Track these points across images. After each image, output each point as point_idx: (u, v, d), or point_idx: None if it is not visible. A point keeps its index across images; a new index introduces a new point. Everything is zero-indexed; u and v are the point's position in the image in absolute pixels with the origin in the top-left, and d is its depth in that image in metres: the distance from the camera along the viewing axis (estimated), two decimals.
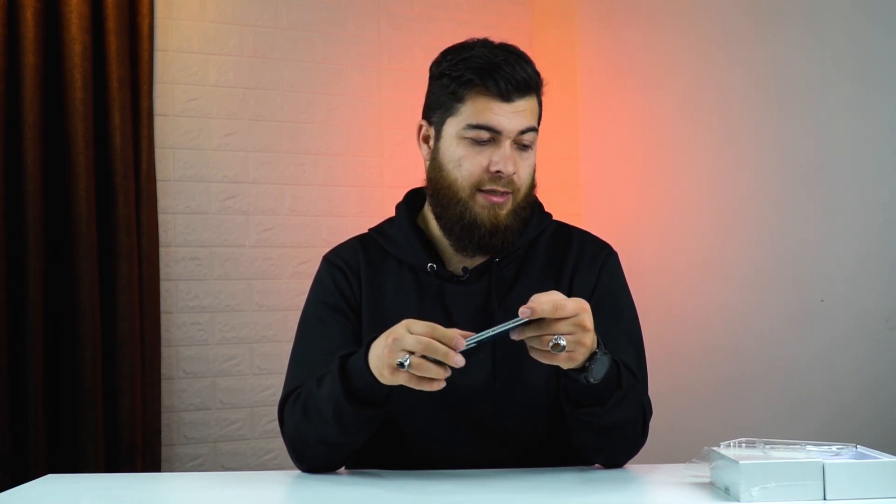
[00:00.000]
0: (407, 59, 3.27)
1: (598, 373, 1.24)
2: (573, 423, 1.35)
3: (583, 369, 1.23)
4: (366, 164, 3.22)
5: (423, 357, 1.16)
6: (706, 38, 2.79)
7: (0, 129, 2.57)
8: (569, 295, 1.46)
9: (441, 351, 1.15)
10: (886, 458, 1.13)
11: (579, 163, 3.27)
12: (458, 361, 1.15)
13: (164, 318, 2.88)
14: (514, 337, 1.18)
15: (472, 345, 1.17)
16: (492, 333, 1.17)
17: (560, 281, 1.49)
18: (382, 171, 3.24)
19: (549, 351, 1.17)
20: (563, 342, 1.16)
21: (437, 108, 1.45)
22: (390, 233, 1.52)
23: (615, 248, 1.56)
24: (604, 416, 1.31)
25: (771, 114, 2.55)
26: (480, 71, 1.38)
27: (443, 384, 1.18)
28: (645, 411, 1.40)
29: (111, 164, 2.73)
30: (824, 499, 1.09)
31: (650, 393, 1.45)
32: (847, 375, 2.32)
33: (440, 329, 1.17)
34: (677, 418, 2.68)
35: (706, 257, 2.74)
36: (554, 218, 1.57)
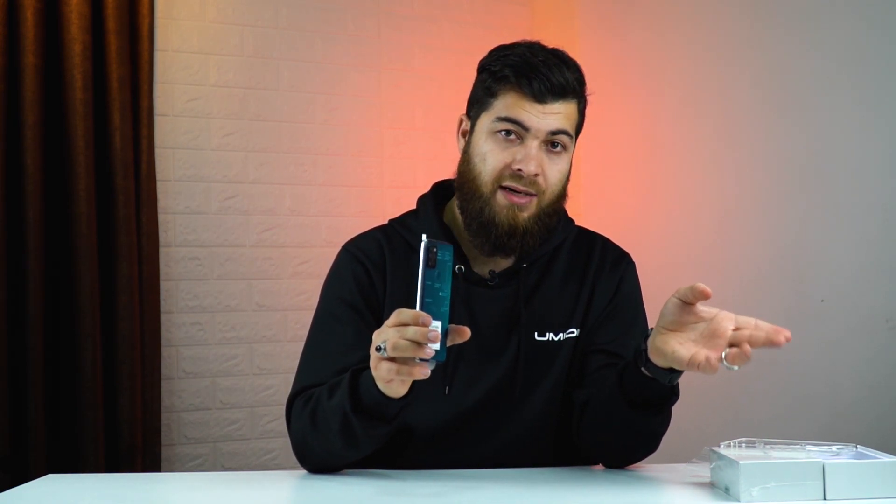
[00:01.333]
0: (407, 59, 3.26)
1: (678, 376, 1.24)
2: (617, 425, 1.33)
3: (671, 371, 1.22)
4: (366, 164, 3.22)
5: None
6: (706, 39, 2.79)
7: (0, 129, 2.57)
8: (589, 301, 1.48)
9: (410, 331, 1.12)
10: (886, 458, 1.13)
11: (579, 163, 3.27)
12: (433, 337, 1.12)
13: (164, 318, 2.88)
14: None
15: (439, 316, 1.15)
16: (420, 291, 1.14)
17: (582, 286, 1.49)
18: (382, 171, 3.24)
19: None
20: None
21: (474, 102, 1.44)
22: (414, 226, 1.48)
23: None
24: (658, 419, 1.31)
25: (771, 114, 2.55)
26: (516, 69, 1.37)
27: (426, 370, 1.14)
28: None
29: (111, 164, 2.73)
30: (824, 499, 1.09)
31: None
32: (847, 375, 2.31)
33: (405, 311, 1.14)
34: (677, 418, 2.67)
35: (706, 257, 2.74)
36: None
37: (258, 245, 3.05)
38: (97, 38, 2.73)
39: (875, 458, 1.14)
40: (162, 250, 2.88)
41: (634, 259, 1.59)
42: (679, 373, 1.22)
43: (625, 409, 1.29)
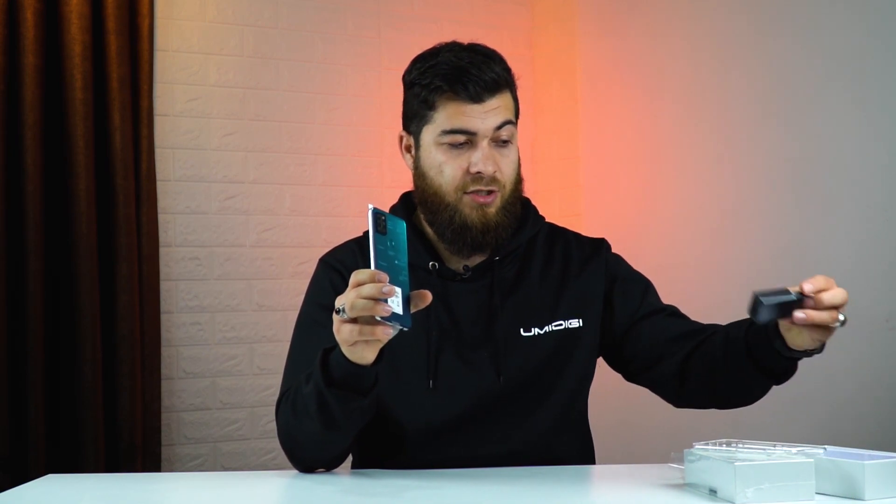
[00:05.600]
0: (407, 59, 3.23)
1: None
2: (748, 381, 1.44)
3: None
4: (366, 164, 3.22)
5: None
6: (706, 39, 2.79)
7: (0, 129, 2.57)
8: (582, 291, 1.50)
9: (366, 289, 1.12)
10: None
11: (579, 163, 3.27)
12: (388, 291, 1.12)
13: (164, 318, 2.88)
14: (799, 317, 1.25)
15: (398, 284, 1.15)
16: (373, 255, 1.15)
17: (566, 278, 1.51)
18: (382, 171, 3.24)
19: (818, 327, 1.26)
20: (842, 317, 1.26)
21: (412, 117, 1.47)
22: None
23: (614, 247, 1.59)
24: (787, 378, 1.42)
25: (770, 113, 2.55)
26: (448, 77, 1.40)
27: (388, 330, 1.14)
28: None
29: (111, 164, 2.73)
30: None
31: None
32: (846, 375, 2.31)
33: (362, 271, 1.15)
34: (676, 418, 2.67)
35: (706, 257, 2.74)
36: (549, 220, 1.59)
37: (258, 245, 3.05)
38: (97, 38, 2.74)
39: (846, 457, 1.14)
40: (162, 250, 2.88)
41: (634, 259, 1.60)
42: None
43: (752, 371, 1.41)
